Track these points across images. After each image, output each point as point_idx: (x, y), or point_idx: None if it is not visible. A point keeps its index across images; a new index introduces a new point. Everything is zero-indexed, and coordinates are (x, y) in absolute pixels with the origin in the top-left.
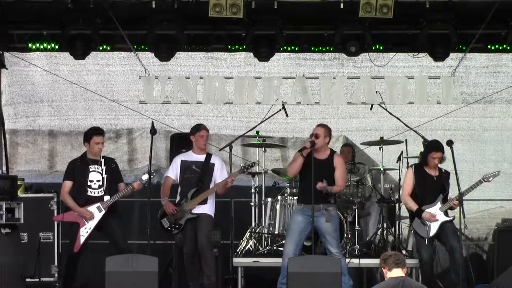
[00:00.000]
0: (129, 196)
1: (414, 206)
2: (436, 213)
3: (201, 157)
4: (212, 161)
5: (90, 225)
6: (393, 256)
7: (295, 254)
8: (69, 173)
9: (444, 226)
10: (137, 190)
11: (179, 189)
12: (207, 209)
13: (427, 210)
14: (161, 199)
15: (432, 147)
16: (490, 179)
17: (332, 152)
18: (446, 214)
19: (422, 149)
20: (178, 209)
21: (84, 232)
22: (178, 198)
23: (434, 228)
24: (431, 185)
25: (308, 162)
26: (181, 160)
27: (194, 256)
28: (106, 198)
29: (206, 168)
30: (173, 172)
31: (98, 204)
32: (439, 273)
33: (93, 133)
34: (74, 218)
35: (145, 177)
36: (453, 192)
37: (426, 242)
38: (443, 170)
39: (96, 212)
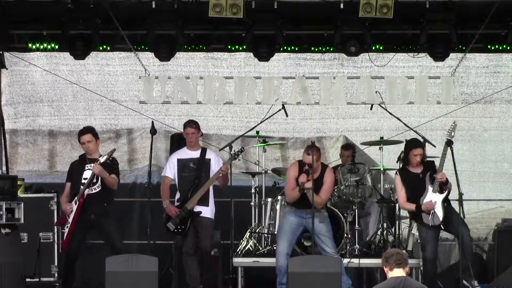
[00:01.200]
0: (129, 196)
1: (412, 207)
2: (431, 198)
3: (196, 153)
4: (207, 156)
5: (70, 220)
6: (395, 255)
7: (288, 253)
8: (68, 174)
9: (450, 216)
10: (99, 173)
11: (178, 188)
12: (209, 212)
13: (423, 201)
14: (163, 202)
15: (411, 145)
16: (452, 135)
17: (324, 168)
18: (441, 192)
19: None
20: (180, 210)
21: (65, 228)
22: (178, 198)
23: (439, 212)
24: (419, 183)
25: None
26: (178, 159)
27: (193, 255)
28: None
29: (202, 164)
30: (171, 171)
31: (75, 198)
32: (439, 273)
33: (78, 135)
34: (65, 219)
35: (102, 159)
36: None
37: (442, 229)
38: (425, 163)
39: (74, 206)
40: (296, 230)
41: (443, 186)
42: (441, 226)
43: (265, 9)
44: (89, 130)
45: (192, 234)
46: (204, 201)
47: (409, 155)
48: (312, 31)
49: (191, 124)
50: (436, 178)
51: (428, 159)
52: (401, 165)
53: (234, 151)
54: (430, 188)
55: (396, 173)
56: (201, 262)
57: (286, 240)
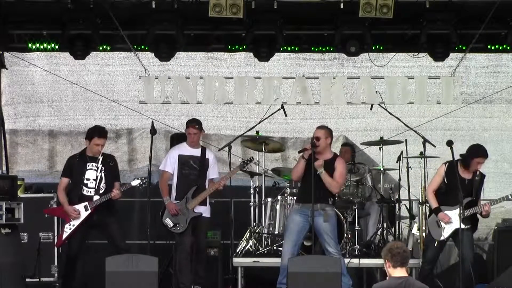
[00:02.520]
0: (129, 196)
1: (434, 204)
2: (453, 218)
3: (197, 151)
4: (207, 156)
5: (74, 223)
6: (402, 253)
7: (293, 253)
8: (66, 170)
9: (462, 233)
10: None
11: (176, 185)
12: (208, 211)
13: (446, 212)
14: (164, 199)
15: (481, 152)
16: None
17: (335, 155)
18: (464, 221)
19: (421, 149)
20: (181, 209)
21: (67, 229)
22: (174, 194)
23: (447, 232)
24: (462, 187)
25: (309, 162)
26: (178, 155)
27: (191, 253)
28: (96, 197)
29: (203, 164)
30: (171, 166)
31: (86, 203)
32: (439, 273)
33: (95, 134)
34: (62, 214)
35: (134, 182)
36: (487, 195)
37: (435, 244)
38: (478, 173)
39: (82, 211)
40: (302, 230)
41: (471, 220)
42: (435, 242)
43: (265, 9)
44: (106, 134)
45: (190, 232)
46: (203, 201)
47: (473, 160)
48: (312, 31)
49: (194, 124)
50: (470, 209)
51: (428, 159)
52: (457, 159)
53: (243, 159)
54: (458, 210)
55: (444, 163)
56: (198, 261)
57: (291, 240)
